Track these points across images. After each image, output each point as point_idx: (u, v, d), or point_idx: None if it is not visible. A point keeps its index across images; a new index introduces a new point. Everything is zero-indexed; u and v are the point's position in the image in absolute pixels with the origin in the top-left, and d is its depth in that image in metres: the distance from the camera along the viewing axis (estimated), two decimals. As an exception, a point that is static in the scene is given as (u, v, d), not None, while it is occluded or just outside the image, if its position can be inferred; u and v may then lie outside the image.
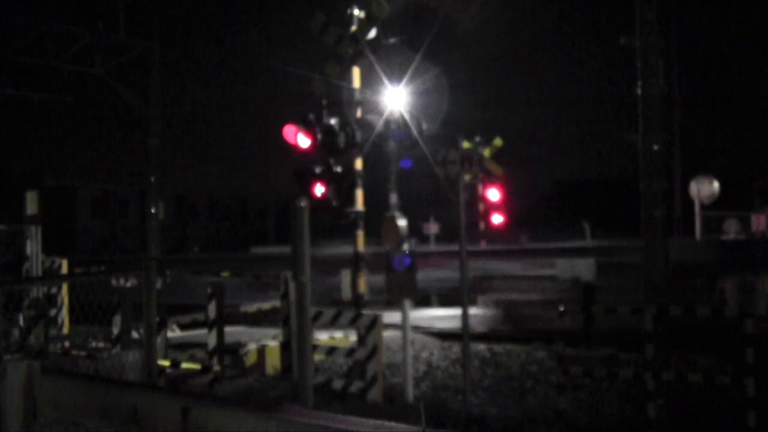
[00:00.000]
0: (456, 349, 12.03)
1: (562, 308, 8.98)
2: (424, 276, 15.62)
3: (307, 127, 10.51)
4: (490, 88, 29.26)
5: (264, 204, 45.89)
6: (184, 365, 11.41)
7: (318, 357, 11.10)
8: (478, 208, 20.01)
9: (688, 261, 15.97)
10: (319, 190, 10.25)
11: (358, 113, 10.57)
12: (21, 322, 11.49)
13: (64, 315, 13.12)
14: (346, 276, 10.51)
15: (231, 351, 12.16)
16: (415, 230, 19.02)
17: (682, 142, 26.08)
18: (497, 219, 19.76)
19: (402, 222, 9.81)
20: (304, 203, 7.40)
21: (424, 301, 18.15)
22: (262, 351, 11.90)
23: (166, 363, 10.89)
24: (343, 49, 10.49)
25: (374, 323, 9.89)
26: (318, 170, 10.35)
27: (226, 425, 3.51)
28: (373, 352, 9.83)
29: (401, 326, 9.99)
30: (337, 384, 10.18)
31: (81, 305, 11.25)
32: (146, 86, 27.81)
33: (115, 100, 27.79)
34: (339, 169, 10.42)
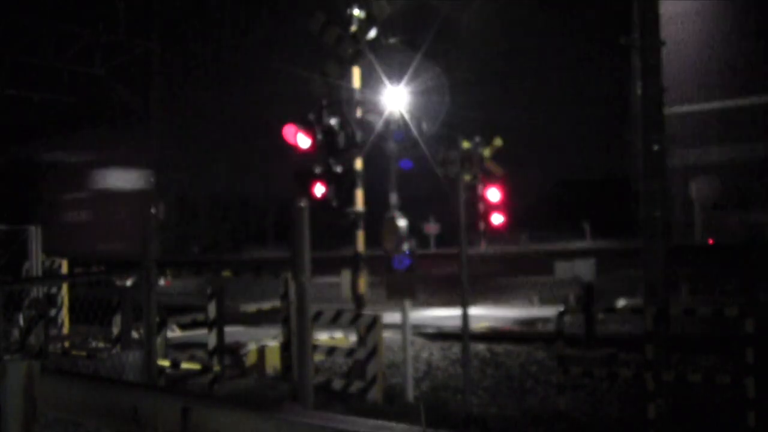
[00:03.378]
0: (456, 349, 12.02)
1: (562, 308, 8.99)
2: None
3: (307, 127, 10.51)
4: (490, 88, 29.19)
5: (264, 204, 45.82)
6: (184, 365, 11.41)
7: (318, 357, 11.10)
8: (478, 209, 19.95)
9: None
10: (319, 190, 10.25)
11: (358, 113, 10.57)
12: (21, 322, 11.49)
13: (64, 315, 13.12)
14: (346, 276, 10.50)
15: (231, 351, 12.16)
16: (415, 230, 18.99)
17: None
18: (497, 219, 19.70)
19: (402, 222, 9.81)
20: (304, 203, 7.39)
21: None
22: (262, 351, 11.90)
23: (166, 363, 10.88)
24: (343, 49, 10.49)
25: (374, 323, 9.89)
26: (318, 170, 10.36)
27: (226, 425, 3.51)
28: (373, 352, 9.83)
29: (401, 327, 9.99)
30: (337, 384, 10.18)
31: (81, 305, 11.26)
32: (146, 86, 27.84)
33: (115, 100, 27.82)
34: (339, 169, 10.42)
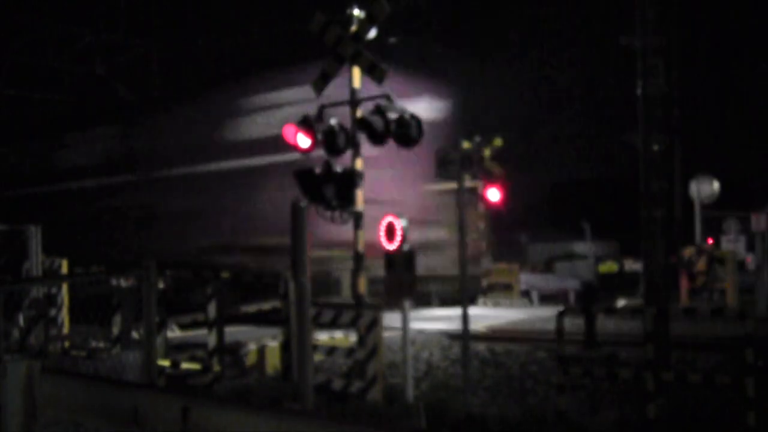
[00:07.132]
0: (456, 349, 12.03)
1: (562, 308, 8.99)
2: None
3: (307, 127, 10.50)
4: (491, 88, 29.25)
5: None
6: (184, 365, 11.40)
7: (318, 357, 11.09)
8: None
9: None
10: (317, 188, 10.25)
11: (358, 113, 10.56)
12: (21, 322, 11.49)
13: (64, 315, 13.11)
14: (346, 276, 10.50)
15: (231, 351, 12.15)
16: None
17: (683, 142, 26.07)
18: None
19: (402, 222, 9.80)
20: (304, 203, 7.40)
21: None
22: (262, 351, 11.89)
23: (166, 363, 10.88)
24: (343, 49, 10.48)
25: (374, 323, 9.88)
26: (318, 170, 10.35)
27: (226, 425, 3.51)
28: (373, 352, 9.82)
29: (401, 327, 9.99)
30: (337, 384, 10.18)
31: (81, 304, 11.25)
32: (146, 86, 27.86)
33: (115, 100, 27.81)
34: (339, 169, 10.41)
